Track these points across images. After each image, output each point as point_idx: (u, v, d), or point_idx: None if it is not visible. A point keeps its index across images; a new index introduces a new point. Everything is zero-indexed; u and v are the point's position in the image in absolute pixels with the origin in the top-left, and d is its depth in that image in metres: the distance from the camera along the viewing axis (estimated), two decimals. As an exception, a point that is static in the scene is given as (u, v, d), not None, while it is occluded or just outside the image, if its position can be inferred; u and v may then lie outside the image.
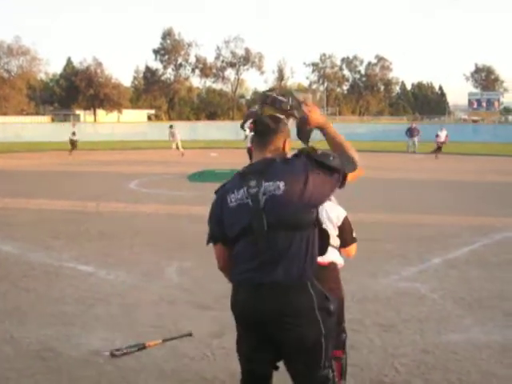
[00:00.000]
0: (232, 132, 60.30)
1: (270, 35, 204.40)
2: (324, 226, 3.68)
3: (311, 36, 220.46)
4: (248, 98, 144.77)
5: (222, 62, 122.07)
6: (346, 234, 4.95)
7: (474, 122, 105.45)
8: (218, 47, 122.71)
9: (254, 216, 3.33)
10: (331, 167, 3.35)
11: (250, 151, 23.92)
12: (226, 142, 54.14)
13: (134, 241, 11.75)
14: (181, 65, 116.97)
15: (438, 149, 38.64)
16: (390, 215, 15.06)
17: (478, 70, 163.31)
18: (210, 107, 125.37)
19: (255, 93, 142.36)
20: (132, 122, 72.72)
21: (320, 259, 3.56)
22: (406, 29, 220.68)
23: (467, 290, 8.37)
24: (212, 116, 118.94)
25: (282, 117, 3.48)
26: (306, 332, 3.31)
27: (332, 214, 4.87)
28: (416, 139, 42.38)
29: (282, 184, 3.31)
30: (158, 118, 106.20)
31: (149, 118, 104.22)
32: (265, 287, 3.32)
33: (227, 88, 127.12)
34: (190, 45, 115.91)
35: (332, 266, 4.83)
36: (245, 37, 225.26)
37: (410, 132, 42.99)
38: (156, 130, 59.39)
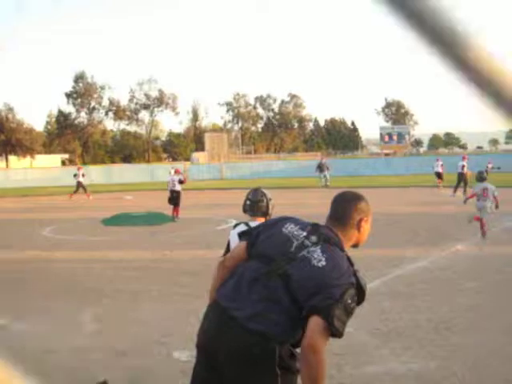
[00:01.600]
0: (147, 174, 60.08)
1: (184, 76, 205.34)
2: None
3: (224, 76, 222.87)
4: (163, 139, 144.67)
5: (136, 104, 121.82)
6: None
7: (386, 155, 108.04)
8: (131, 89, 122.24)
9: (285, 256, 3.33)
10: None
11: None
12: (141, 184, 53.82)
13: (47, 288, 11.48)
14: (94, 108, 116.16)
15: None
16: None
17: (388, 105, 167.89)
18: (124, 150, 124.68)
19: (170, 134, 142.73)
20: (45, 168, 71.50)
21: None
22: (317, 67, 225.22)
23: (382, 321, 8.50)
24: (127, 158, 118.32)
25: None
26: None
27: None
28: (327, 174, 43.15)
29: (323, 260, 3.31)
30: (71, 162, 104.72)
31: (63, 162, 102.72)
32: (233, 320, 3.26)
33: (142, 130, 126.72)
34: (102, 88, 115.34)
35: None
36: (158, 78, 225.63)
37: (320, 168, 43.74)
38: (70, 174, 58.59)
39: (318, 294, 3.17)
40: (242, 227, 6.21)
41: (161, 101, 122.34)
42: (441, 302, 9.63)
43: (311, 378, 3.06)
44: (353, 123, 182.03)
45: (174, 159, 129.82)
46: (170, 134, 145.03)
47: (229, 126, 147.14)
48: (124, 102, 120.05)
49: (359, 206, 3.54)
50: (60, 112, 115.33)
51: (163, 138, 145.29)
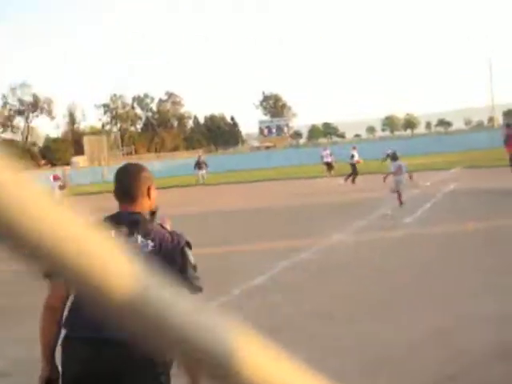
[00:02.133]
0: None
1: (59, 79, 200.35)
2: None
3: (100, 77, 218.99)
4: (40, 145, 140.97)
5: (10, 110, 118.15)
6: None
7: (267, 148, 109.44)
8: (3, 95, 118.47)
9: None
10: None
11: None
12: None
13: None
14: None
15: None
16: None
17: (266, 98, 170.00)
18: None
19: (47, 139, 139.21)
20: None
21: None
22: (193, 63, 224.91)
23: (267, 316, 8.58)
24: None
25: None
26: None
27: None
28: (204, 171, 43.43)
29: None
30: None
31: None
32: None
33: (18, 137, 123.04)
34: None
35: None
36: (32, 83, 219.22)
37: (198, 165, 43.92)
38: None
39: None
40: None
41: (36, 106, 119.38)
42: (322, 292, 9.82)
43: None
44: (232, 118, 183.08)
45: (54, 165, 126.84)
46: (48, 140, 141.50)
47: (107, 127, 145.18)
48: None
49: (144, 175, 3.67)
50: None
51: (40, 144, 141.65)
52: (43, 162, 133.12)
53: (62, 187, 23.70)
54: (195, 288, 3.57)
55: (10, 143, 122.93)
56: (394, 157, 21.33)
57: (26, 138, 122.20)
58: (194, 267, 3.70)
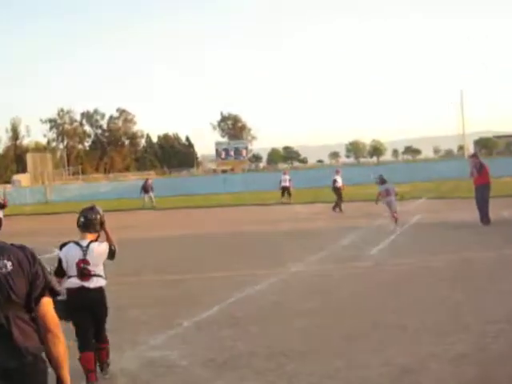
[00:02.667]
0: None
1: (1, 90, 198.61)
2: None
3: (47, 91, 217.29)
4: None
5: None
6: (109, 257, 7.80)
7: (224, 171, 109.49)
8: None
9: None
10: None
11: None
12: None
13: None
14: None
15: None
16: (137, 277, 15.06)
17: (224, 119, 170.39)
18: None
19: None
20: None
21: (93, 285, 7.43)
22: (148, 78, 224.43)
23: (217, 351, 8.56)
24: None
25: None
26: None
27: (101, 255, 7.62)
28: (151, 194, 43.33)
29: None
30: None
31: None
32: None
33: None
34: None
35: (103, 288, 7.69)
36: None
37: (145, 188, 43.78)
38: None
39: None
40: (73, 247, 7.55)
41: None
42: (277, 326, 9.83)
43: (63, 351, 3.68)
44: (187, 139, 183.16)
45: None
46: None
47: (53, 144, 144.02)
48: None
49: None
50: None
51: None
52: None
53: (1, 206, 23.36)
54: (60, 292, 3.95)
55: None
56: (381, 180, 23.51)
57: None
58: (50, 273, 3.87)
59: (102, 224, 7.78)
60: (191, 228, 27.70)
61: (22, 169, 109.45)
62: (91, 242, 7.67)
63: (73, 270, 7.54)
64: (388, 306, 10.79)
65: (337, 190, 31.80)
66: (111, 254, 7.84)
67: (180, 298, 12.39)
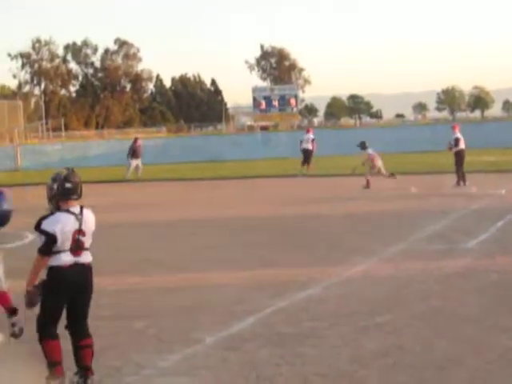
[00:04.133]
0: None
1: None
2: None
3: (19, 12, 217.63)
4: None
5: None
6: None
7: (264, 128, 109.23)
8: None
9: None
10: None
11: None
12: None
13: None
14: None
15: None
16: (142, 276, 15.16)
17: (265, 55, 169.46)
18: None
19: None
20: None
21: (86, 260, 8.25)
22: (152, 3, 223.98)
23: (253, 380, 8.61)
24: None
25: None
26: None
27: (91, 218, 8.45)
28: (139, 162, 43.52)
29: None
30: None
31: None
32: None
33: None
34: None
35: (91, 265, 8.37)
36: None
37: (134, 151, 43.86)
38: None
39: None
40: (67, 216, 8.26)
41: None
42: (338, 347, 9.85)
43: None
44: (213, 82, 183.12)
45: None
46: None
47: (26, 88, 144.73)
48: None
49: None
50: None
51: None
52: None
53: None
54: None
55: None
56: (363, 145, 31.53)
57: None
58: None
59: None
60: (217, 207, 27.75)
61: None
62: (82, 208, 8.39)
63: (65, 244, 8.14)
64: (501, 325, 10.74)
65: (459, 154, 31.18)
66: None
67: (201, 304, 12.47)
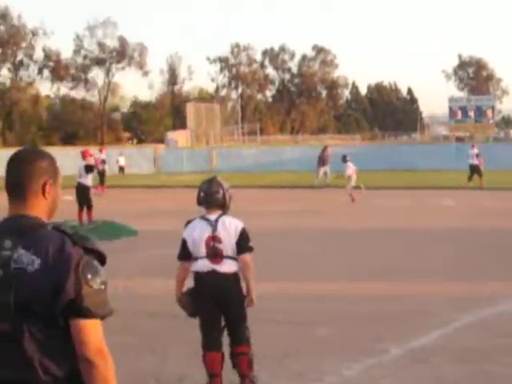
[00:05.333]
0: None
1: (156, 18, 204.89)
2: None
3: (217, 19, 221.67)
4: (125, 111, 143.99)
5: (85, 58, 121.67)
6: (244, 242, 8.23)
7: (459, 139, 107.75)
8: (77, 36, 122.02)
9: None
10: None
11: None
12: (90, 177, 53.92)
13: None
14: (22, 63, 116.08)
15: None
16: (322, 284, 15.16)
17: (462, 65, 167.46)
18: (66, 126, 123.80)
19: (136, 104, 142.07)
20: None
21: (226, 269, 8.10)
22: (355, 8, 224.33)
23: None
24: (70, 139, 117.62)
25: None
26: None
27: (231, 226, 8.24)
28: (327, 168, 43.85)
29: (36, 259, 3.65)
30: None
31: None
32: None
33: (93, 97, 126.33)
34: (35, 33, 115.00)
35: (237, 275, 8.26)
36: (118, 20, 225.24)
37: (323, 159, 44.19)
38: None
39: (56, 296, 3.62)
40: (199, 222, 8.38)
41: (122, 54, 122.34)
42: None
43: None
44: (410, 91, 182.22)
45: (140, 141, 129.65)
46: (136, 104, 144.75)
47: (223, 92, 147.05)
48: (67, 55, 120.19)
49: (39, 165, 3.83)
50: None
51: (125, 109, 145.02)
52: (127, 135, 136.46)
53: (90, 168, 24.38)
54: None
55: (82, 106, 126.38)
56: (344, 159, 35.24)
57: (105, 100, 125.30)
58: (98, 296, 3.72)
59: (225, 200, 8.49)
60: (413, 218, 27.59)
61: (180, 124, 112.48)
62: (220, 215, 8.38)
63: (201, 250, 8.24)
64: None
65: None
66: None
67: (386, 314, 12.37)
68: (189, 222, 8.48)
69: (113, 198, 38.75)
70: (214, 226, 8.24)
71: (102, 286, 3.67)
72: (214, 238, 8.20)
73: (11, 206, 3.82)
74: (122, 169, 62.01)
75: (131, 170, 61.78)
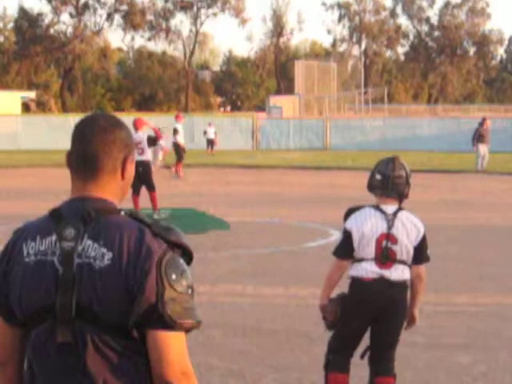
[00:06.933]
0: (186, 133, 60.57)
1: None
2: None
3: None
4: (216, 68, 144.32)
5: (167, 0, 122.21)
6: (423, 252, 8.17)
7: None
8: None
9: (50, 298, 3.64)
10: None
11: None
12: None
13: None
14: (87, 6, 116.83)
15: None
16: (471, 297, 15.15)
17: None
18: (142, 87, 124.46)
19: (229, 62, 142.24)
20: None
21: (396, 276, 7.93)
22: None
23: None
24: (147, 103, 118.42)
25: None
26: None
27: (411, 225, 8.11)
28: (486, 148, 43.22)
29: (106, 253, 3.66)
30: (42, 106, 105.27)
31: (25, 106, 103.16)
32: None
33: (176, 51, 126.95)
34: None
35: (406, 284, 8.16)
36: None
37: (480, 135, 43.58)
38: (40, 129, 58.40)
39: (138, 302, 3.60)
40: (372, 213, 8.06)
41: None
42: None
43: None
44: None
45: (235, 108, 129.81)
46: (230, 61, 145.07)
47: (342, 47, 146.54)
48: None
49: (120, 137, 3.83)
50: (22, 11, 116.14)
51: (216, 67, 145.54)
52: (218, 100, 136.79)
53: (153, 140, 24.59)
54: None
55: (161, 62, 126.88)
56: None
57: (191, 54, 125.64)
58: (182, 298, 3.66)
59: (408, 187, 8.25)
60: None
61: (286, 88, 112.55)
62: (400, 209, 8.13)
63: (369, 250, 7.99)
64: None
65: None
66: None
67: None
68: (351, 211, 8.17)
69: (196, 181, 39.56)
70: (391, 221, 7.98)
71: (189, 291, 3.63)
72: (388, 237, 7.95)
73: (75, 184, 3.80)
74: (211, 142, 61.56)
75: (223, 144, 61.85)
